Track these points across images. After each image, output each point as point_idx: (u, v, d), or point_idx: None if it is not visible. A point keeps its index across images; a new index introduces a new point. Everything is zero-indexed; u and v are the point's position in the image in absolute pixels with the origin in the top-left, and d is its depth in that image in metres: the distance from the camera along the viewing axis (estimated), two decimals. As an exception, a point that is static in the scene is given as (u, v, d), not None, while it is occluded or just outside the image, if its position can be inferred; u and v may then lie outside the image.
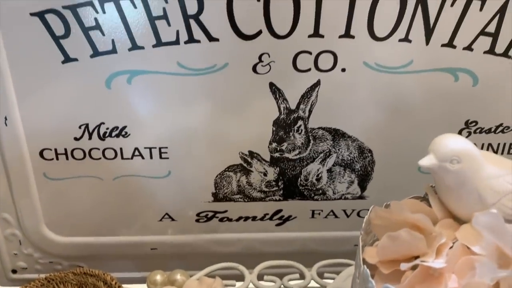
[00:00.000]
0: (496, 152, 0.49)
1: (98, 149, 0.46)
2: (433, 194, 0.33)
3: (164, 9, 0.40)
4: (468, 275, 0.29)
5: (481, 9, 0.41)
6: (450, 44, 0.42)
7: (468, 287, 0.27)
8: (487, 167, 0.31)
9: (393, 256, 0.31)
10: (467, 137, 0.47)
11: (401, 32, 0.42)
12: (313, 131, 0.47)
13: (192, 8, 0.40)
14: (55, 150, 0.46)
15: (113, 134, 0.45)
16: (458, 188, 0.31)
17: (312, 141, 0.47)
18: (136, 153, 0.47)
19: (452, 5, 0.41)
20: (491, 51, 0.43)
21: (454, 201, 0.32)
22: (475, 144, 0.46)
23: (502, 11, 0.41)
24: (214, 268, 0.48)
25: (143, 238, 0.51)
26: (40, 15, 0.40)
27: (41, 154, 0.46)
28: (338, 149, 0.48)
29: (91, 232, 0.51)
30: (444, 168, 0.31)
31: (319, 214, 0.51)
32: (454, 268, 0.30)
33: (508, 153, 0.49)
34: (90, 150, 0.46)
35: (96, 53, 0.42)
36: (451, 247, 0.30)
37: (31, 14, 0.40)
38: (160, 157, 0.47)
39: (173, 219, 0.51)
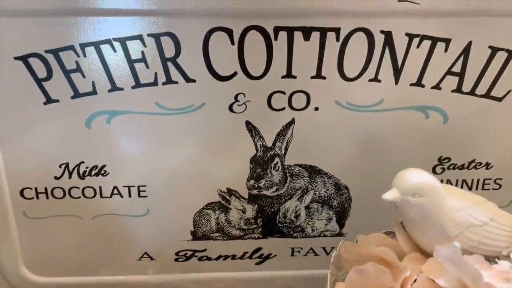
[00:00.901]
0: (470, 188, 0.50)
1: (78, 188, 0.48)
2: (399, 228, 0.35)
3: (142, 52, 0.43)
4: (432, 307, 0.30)
5: (446, 50, 0.44)
6: (418, 83, 0.45)
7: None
8: (449, 200, 0.33)
9: (361, 289, 0.33)
10: (441, 173, 0.49)
11: (370, 73, 0.45)
12: (290, 168, 0.49)
13: (169, 52, 0.43)
14: (36, 189, 0.48)
15: (93, 173, 0.47)
16: (422, 221, 0.33)
17: (289, 178, 0.49)
18: (115, 191, 0.48)
19: (418, 46, 0.44)
20: (458, 89, 0.46)
21: (419, 234, 0.33)
22: (449, 180, 0.50)
23: (465, 52, 0.44)
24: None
25: (122, 278, 0.52)
26: (24, 59, 0.42)
27: (21, 193, 0.48)
28: (315, 186, 0.49)
29: (71, 272, 0.52)
30: (407, 201, 0.32)
31: (298, 251, 0.53)
32: (419, 300, 0.31)
33: (483, 189, 0.50)
34: (70, 189, 0.48)
35: (76, 94, 0.44)
36: (415, 281, 0.32)
37: (15, 58, 0.42)
38: (139, 196, 0.49)
39: (152, 258, 0.52)
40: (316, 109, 0.46)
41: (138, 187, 0.48)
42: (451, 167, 0.49)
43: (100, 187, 0.48)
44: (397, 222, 0.35)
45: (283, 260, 0.53)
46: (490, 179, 0.50)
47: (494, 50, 0.44)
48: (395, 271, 0.32)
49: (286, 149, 0.48)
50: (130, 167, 0.47)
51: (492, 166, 0.49)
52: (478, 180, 0.50)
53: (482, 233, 0.32)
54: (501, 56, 0.44)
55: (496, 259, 0.31)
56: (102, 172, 0.47)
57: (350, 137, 0.48)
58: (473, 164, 0.49)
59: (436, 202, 0.32)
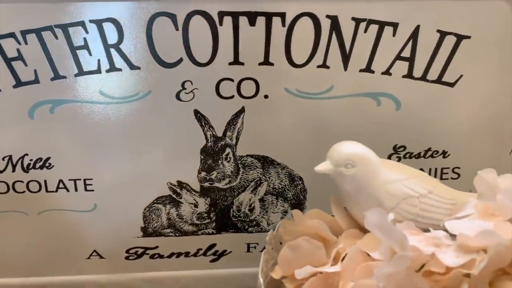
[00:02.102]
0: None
1: (22, 181, 0.47)
2: (336, 204, 0.35)
3: (85, 39, 0.43)
4: (366, 280, 0.30)
5: (394, 35, 0.45)
6: (368, 69, 0.46)
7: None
8: (384, 172, 0.33)
9: (296, 267, 0.32)
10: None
11: (318, 59, 0.45)
12: (242, 159, 0.49)
13: (112, 38, 0.43)
14: (-22, 184, 0.47)
15: (37, 165, 0.47)
16: (357, 193, 0.33)
17: (241, 169, 0.49)
18: (61, 185, 0.48)
19: (365, 31, 0.44)
20: (409, 75, 0.46)
21: (356, 208, 0.34)
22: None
23: (414, 36, 0.45)
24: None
25: (71, 278, 0.51)
26: (-38, 46, 0.42)
27: (-37, 189, 0.47)
28: (269, 177, 0.49)
29: (16, 273, 0.51)
30: (339, 173, 0.33)
31: (254, 247, 0.52)
32: (353, 275, 0.30)
33: (441, 178, 0.51)
34: (14, 183, 0.48)
35: (18, 83, 0.44)
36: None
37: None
38: (85, 190, 0.48)
39: (101, 257, 0.51)
40: (266, 97, 0.46)
41: (84, 180, 0.48)
42: (407, 155, 0.50)
43: (45, 181, 0.48)
44: (334, 198, 0.35)
45: (238, 257, 0.52)
46: (448, 168, 0.51)
47: (443, 34, 0.45)
48: (329, 245, 0.32)
49: (237, 139, 0.48)
50: (76, 159, 0.47)
51: (449, 155, 0.50)
52: (436, 169, 0.51)
53: (420, 205, 0.32)
54: (450, 40, 0.45)
55: (431, 229, 0.31)
56: (47, 164, 0.47)
57: (302, 126, 0.48)
58: (429, 153, 0.50)
59: (370, 173, 0.32)
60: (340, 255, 0.31)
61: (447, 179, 0.51)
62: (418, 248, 0.27)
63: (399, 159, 0.50)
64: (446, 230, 0.31)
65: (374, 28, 0.45)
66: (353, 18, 0.44)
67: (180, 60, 0.45)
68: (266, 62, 0.45)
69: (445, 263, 0.27)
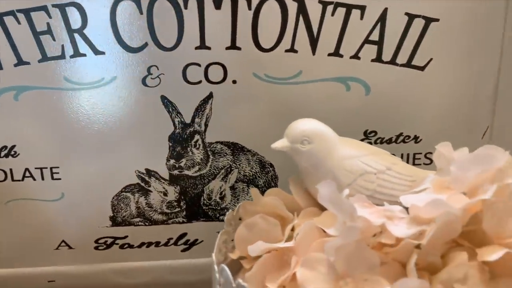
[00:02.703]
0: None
1: (-13, 171, 0.47)
2: (295, 183, 0.35)
3: (48, 24, 0.43)
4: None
5: (361, 18, 0.45)
6: (336, 53, 0.46)
7: (308, 262, 0.27)
8: (341, 148, 0.33)
9: (253, 246, 0.32)
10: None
11: (286, 43, 0.45)
12: (211, 146, 0.49)
13: (76, 23, 0.43)
14: None
15: (2, 154, 0.47)
16: (314, 170, 0.33)
17: (211, 157, 0.49)
18: (27, 174, 0.48)
19: (332, 14, 0.45)
20: (378, 59, 0.47)
21: (313, 185, 0.33)
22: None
23: (382, 19, 0.45)
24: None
25: (40, 270, 0.51)
26: None
27: None
28: (239, 164, 0.49)
29: (-17, 265, 0.50)
30: (296, 149, 0.33)
31: (226, 236, 0.52)
32: (308, 251, 0.30)
33: (414, 164, 0.51)
34: (-21, 172, 0.47)
35: (-19, 69, 0.44)
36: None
37: None
38: (52, 178, 0.48)
39: (70, 247, 0.51)
40: (234, 82, 0.46)
41: (51, 168, 0.48)
42: (378, 141, 0.50)
43: (10, 169, 0.48)
44: (293, 178, 0.35)
45: (210, 245, 0.52)
46: (420, 153, 0.51)
47: (411, 17, 0.45)
48: (286, 223, 0.31)
49: (206, 125, 0.48)
50: (41, 147, 0.47)
51: (421, 140, 0.50)
52: (408, 154, 0.51)
53: (377, 182, 0.32)
54: (418, 23, 0.46)
55: (385, 203, 0.31)
56: (12, 153, 0.47)
57: (271, 111, 0.48)
58: (401, 138, 0.50)
59: (326, 150, 0.33)
60: (295, 231, 0.31)
61: (420, 164, 0.51)
62: (367, 219, 0.27)
63: (370, 144, 0.50)
64: (404, 207, 0.31)
65: (341, 11, 0.45)
66: (320, 1, 0.44)
67: (145, 44, 0.45)
68: (233, 46, 0.45)
69: (395, 234, 0.27)
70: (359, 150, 0.34)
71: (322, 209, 0.34)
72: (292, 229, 0.32)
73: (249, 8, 0.44)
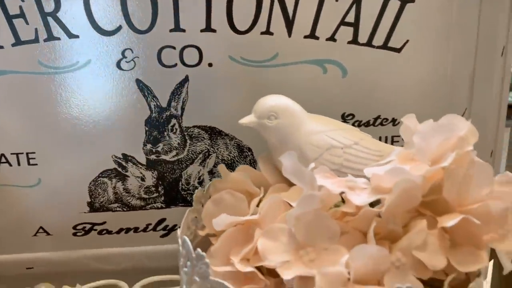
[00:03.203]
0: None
1: (-38, 157, 0.47)
2: (264, 160, 0.35)
3: (20, 7, 0.43)
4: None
5: (337, 0, 0.45)
6: (312, 35, 0.46)
7: (269, 232, 0.27)
8: (309, 123, 0.33)
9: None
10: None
11: (261, 25, 0.45)
12: (189, 130, 0.49)
13: (49, 6, 0.43)
14: None
15: (-23, 140, 0.47)
16: (281, 146, 0.33)
17: (188, 141, 0.49)
18: (3, 159, 0.48)
19: (307, -5, 0.44)
20: (354, 41, 0.47)
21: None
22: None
23: (357, 1, 0.45)
24: (91, 286, 0.48)
25: (18, 256, 0.51)
26: None
27: None
28: (217, 149, 0.49)
29: (-40, 252, 0.50)
30: (263, 125, 0.33)
31: (205, 222, 0.52)
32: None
33: (392, 147, 0.51)
34: (-46, 158, 0.47)
35: (-45, 54, 0.44)
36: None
37: None
38: (28, 164, 0.48)
39: (48, 233, 0.51)
40: (210, 65, 0.47)
41: (27, 154, 0.48)
42: (356, 124, 0.50)
43: (-14, 156, 0.47)
44: (262, 156, 0.35)
45: (189, 231, 0.52)
46: (399, 136, 0.50)
47: (387, -1, 0.45)
48: (253, 198, 0.31)
49: (182, 109, 0.48)
50: (17, 133, 0.47)
51: (398, 122, 0.50)
52: (387, 137, 0.51)
53: (344, 156, 0.32)
54: (394, 5, 0.46)
55: (349, 175, 0.31)
56: (-13, 139, 0.47)
57: (248, 95, 0.47)
58: (378, 121, 0.50)
59: (293, 125, 0.33)
60: (261, 205, 0.31)
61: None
62: (327, 188, 0.27)
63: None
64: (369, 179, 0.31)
65: (316, -8, 0.45)
66: (295, -17, 0.44)
67: (119, 27, 0.45)
68: (208, 28, 0.45)
69: (355, 203, 0.27)
70: (326, 125, 0.34)
71: (291, 185, 0.34)
72: (259, 205, 0.32)
73: (223, -10, 0.44)
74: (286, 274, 0.26)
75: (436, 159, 0.28)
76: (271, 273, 0.30)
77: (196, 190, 0.36)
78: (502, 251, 0.27)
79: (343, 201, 0.29)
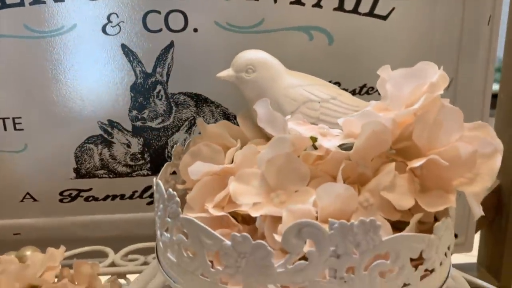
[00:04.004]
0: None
1: (-51, 121, 0.47)
2: (243, 117, 0.35)
3: (6, -30, 0.43)
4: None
5: (321, -35, 0.45)
6: (298, 1, 0.47)
7: (241, 176, 0.28)
8: (286, 77, 0.34)
9: (198, 174, 0.32)
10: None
11: (247, -11, 0.45)
12: (174, 97, 0.49)
13: (34, -31, 0.43)
14: None
15: (-36, 104, 0.47)
16: (258, 99, 0.33)
17: (174, 108, 0.49)
18: (-11, 124, 0.48)
19: (291, -40, 0.45)
20: (340, 8, 0.47)
21: (259, 116, 0.34)
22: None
23: (343, -33, 0.45)
24: (77, 252, 0.48)
25: (4, 222, 0.51)
26: None
27: None
28: (203, 116, 0.50)
29: None
30: (241, 79, 0.33)
31: (191, 189, 0.52)
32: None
33: (379, 116, 0.51)
34: None
35: None
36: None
37: None
38: (15, 129, 0.48)
39: (35, 200, 0.51)
40: (195, 30, 0.47)
41: (13, 119, 0.48)
42: (342, 92, 0.50)
43: (-28, 120, 0.48)
44: (242, 113, 0.35)
45: (175, 199, 0.52)
46: (385, 105, 0.51)
47: (372, -35, 0.45)
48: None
49: (168, 75, 0.48)
50: (3, 97, 0.47)
51: (385, 91, 0.50)
52: (373, 106, 0.51)
53: (321, 110, 0.33)
54: (380, -28, 0.46)
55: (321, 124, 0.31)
56: (-27, 103, 0.47)
57: (232, 61, 0.48)
58: (364, 89, 0.50)
59: (270, 78, 0.33)
60: (236, 154, 0.31)
61: (385, 117, 0.51)
62: (298, 131, 0.27)
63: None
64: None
65: (300, -43, 0.45)
66: None
67: (104, -9, 0.45)
68: (194, -7, 0.46)
69: (324, 146, 0.27)
70: (304, 80, 0.34)
71: (268, 139, 0.35)
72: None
73: (208, -47, 0.45)
74: (255, 213, 0.26)
75: (408, 106, 0.29)
76: (245, 221, 0.30)
77: (176, 146, 0.37)
78: (470, 194, 0.27)
79: (316, 149, 0.29)
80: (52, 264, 0.40)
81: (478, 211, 0.28)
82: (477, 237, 0.61)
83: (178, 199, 0.26)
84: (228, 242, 0.24)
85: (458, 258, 0.58)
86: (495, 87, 0.58)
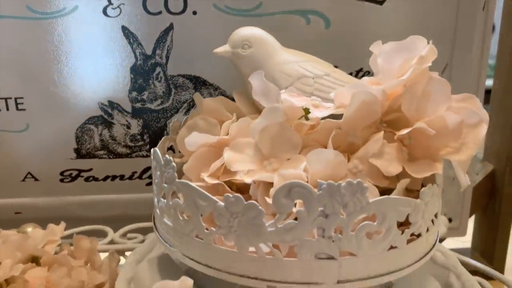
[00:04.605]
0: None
1: (-47, 100, 0.49)
2: (240, 93, 0.36)
3: (9, -49, 0.44)
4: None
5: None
6: (295, -15, 0.47)
7: (235, 145, 0.29)
8: (281, 53, 0.35)
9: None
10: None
11: (245, -28, 0.46)
12: (173, 79, 0.50)
13: (36, -50, 0.44)
14: None
15: (-33, 83, 0.48)
16: (254, 74, 0.34)
17: (173, 90, 0.50)
18: (-8, 104, 0.49)
19: None
20: (337, -8, 0.48)
21: (255, 91, 0.35)
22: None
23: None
24: (77, 230, 0.49)
25: (6, 201, 0.53)
26: None
27: None
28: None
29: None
30: (237, 54, 0.34)
31: (190, 171, 0.53)
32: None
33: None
34: None
35: None
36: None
37: None
38: (17, 109, 0.50)
39: (36, 179, 0.52)
40: (194, 13, 0.48)
41: (16, 99, 0.49)
42: (338, 76, 0.51)
43: (-25, 100, 0.49)
44: (238, 90, 0.36)
45: (174, 180, 0.54)
46: (381, 89, 0.52)
47: (366, -51, 0.46)
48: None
49: (167, 57, 0.49)
50: (6, 78, 0.49)
51: (381, 76, 0.51)
52: (369, 90, 0.52)
53: (315, 85, 0.34)
54: (376, -44, 0.47)
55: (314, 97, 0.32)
56: (-23, 83, 0.48)
57: (232, 44, 0.49)
58: (361, 73, 0.51)
59: (266, 54, 0.34)
60: (231, 126, 0.32)
61: (381, 101, 0.52)
62: (290, 101, 0.28)
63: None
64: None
65: None
66: None
67: (105, -27, 0.46)
68: (193, -24, 0.47)
69: (316, 115, 0.28)
70: (299, 57, 0.35)
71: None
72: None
73: None
74: (249, 179, 0.27)
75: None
76: (239, 191, 0.31)
77: (173, 120, 0.38)
78: (456, 162, 0.28)
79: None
80: (52, 238, 0.42)
81: (464, 180, 0.29)
82: (471, 226, 0.62)
83: (174, 164, 0.27)
84: (221, 203, 0.25)
85: (453, 243, 0.59)
86: (489, 82, 0.59)
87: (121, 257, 0.50)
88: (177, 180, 0.27)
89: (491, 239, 0.59)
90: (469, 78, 0.53)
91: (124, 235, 0.51)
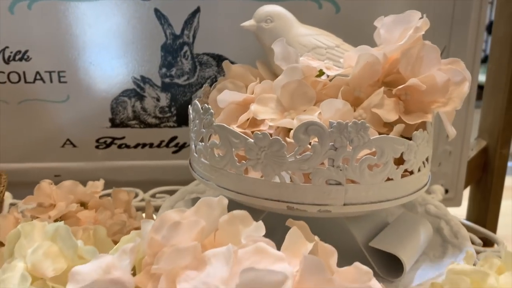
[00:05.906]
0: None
1: (3, 72, 0.55)
2: (261, 63, 0.42)
3: None
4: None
5: None
6: (309, -27, 0.53)
7: (260, 99, 0.35)
8: (298, 28, 0.41)
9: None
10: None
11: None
12: (199, 57, 0.56)
13: None
14: (-36, 74, 0.55)
15: (17, 57, 0.55)
16: (275, 46, 0.40)
17: (198, 67, 0.56)
18: (38, 77, 0.56)
19: None
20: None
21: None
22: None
23: None
24: (109, 191, 0.55)
25: (47, 165, 0.59)
26: None
27: (-49, 79, 0.55)
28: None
29: (-2, 159, 0.59)
30: (261, 28, 0.40)
31: (211, 141, 0.59)
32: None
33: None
34: (-4, 74, 0.55)
35: (0, -19, 0.52)
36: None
37: None
38: (59, 81, 0.56)
39: (74, 146, 0.59)
40: (218, -4, 0.54)
41: (58, 72, 0.56)
42: (346, 56, 0.57)
43: (24, 72, 0.55)
44: (261, 60, 0.42)
45: (197, 149, 0.60)
46: (385, 69, 0.58)
47: None
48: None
49: (194, 37, 0.55)
50: (51, 53, 0.55)
51: (385, 57, 0.57)
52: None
53: (327, 55, 0.40)
54: None
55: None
56: (25, 57, 0.55)
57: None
58: (367, 54, 0.57)
59: (285, 28, 0.40)
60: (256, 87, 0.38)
61: (385, 80, 0.58)
62: (307, 62, 0.34)
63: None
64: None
65: None
66: None
67: (141, -39, 0.52)
68: (218, -36, 0.53)
69: (328, 73, 0.34)
70: (314, 30, 0.41)
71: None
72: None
73: None
74: (272, 124, 0.33)
75: (397, 47, 0.35)
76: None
77: (204, 85, 0.44)
78: (444, 113, 0.34)
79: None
80: (95, 190, 0.48)
81: (451, 130, 0.34)
82: (466, 197, 0.67)
83: (212, 111, 0.33)
84: (251, 140, 0.31)
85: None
86: (481, 78, 0.65)
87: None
88: (214, 124, 0.33)
89: (484, 209, 0.65)
90: (466, 59, 0.59)
91: (153, 196, 0.57)
